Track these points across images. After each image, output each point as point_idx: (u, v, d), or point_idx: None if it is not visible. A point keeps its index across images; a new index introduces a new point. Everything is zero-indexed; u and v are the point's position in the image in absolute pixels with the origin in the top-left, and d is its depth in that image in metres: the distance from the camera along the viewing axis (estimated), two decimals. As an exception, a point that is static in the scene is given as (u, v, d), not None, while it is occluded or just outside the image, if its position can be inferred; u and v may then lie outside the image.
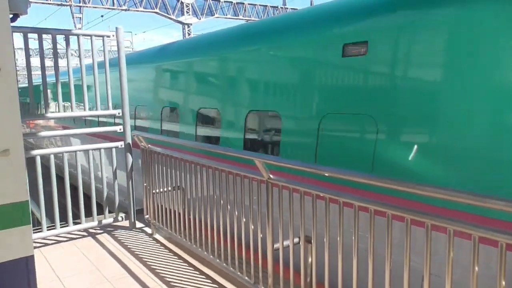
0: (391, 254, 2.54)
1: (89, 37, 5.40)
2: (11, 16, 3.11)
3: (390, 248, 2.53)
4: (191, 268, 4.47)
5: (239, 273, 3.91)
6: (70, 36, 5.23)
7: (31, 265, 2.72)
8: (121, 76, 5.51)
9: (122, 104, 5.55)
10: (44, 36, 5.05)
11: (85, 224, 5.45)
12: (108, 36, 5.51)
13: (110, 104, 5.50)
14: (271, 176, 3.37)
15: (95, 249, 5.03)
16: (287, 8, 37.05)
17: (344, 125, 4.16)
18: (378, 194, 3.16)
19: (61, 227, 5.30)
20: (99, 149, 5.47)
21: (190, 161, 4.43)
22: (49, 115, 5.17)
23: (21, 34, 4.85)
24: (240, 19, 35.36)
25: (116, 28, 5.49)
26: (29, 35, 4.93)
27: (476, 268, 2.13)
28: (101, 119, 9.47)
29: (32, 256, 2.71)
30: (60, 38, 5.46)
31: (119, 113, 5.53)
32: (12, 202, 2.60)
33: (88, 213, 5.56)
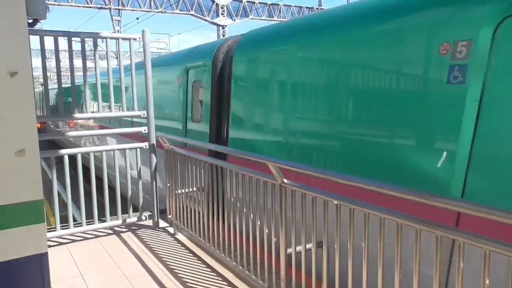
0: (401, 262, 2.48)
1: (123, 40, 5.54)
2: (30, 21, 3.23)
3: (399, 256, 2.47)
4: (209, 270, 4.50)
5: (253, 276, 3.91)
6: (106, 39, 5.38)
7: (45, 262, 2.80)
8: (146, 77, 5.62)
9: (147, 105, 5.66)
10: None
11: (110, 222, 5.58)
12: (135, 39, 5.62)
13: (136, 105, 5.61)
14: (284, 180, 3.35)
15: (119, 247, 5.15)
16: (322, 9, 36.75)
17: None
18: None
19: (87, 225, 5.46)
20: (124, 149, 5.60)
21: (209, 162, 4.47)
22: (76, 115, 5.33)
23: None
24: (274, 20, 35.37)
25: (142, 31, 5.60)
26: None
27: (487, 281, 2.05)
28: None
29: (46, 254, 2.79)
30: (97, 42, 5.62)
31: (144, 114, 5.63)
32: (28, 200, 2.69)
33: (116, 212, 5.71)
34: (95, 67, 5.43)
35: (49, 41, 5.30)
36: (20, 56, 2.60)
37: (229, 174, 4.11)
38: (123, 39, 5.57)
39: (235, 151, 4.24)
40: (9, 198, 2.62)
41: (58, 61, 5.16)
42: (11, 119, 2.60)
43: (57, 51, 5.13)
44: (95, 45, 5.38)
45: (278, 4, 37.03)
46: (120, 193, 5.72)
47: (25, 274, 2.74)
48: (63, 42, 5.35)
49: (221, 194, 4.33)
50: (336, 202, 2.89)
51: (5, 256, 2.66)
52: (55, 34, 5.03)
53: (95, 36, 5.35)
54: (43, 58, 5.02)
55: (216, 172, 4.34)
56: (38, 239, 2.78)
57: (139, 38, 5.62)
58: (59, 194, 6.08)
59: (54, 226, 5.26)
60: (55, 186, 5.20)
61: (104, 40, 5.50)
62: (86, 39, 5.36)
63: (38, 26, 4.30)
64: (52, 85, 19.15)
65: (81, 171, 5.30)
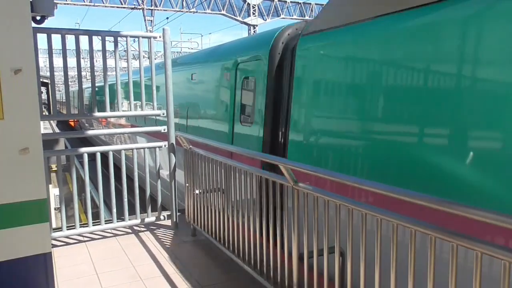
0: (415, 269, 2.33)
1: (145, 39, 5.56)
2: (38, 18, 3.22)
3: (413, 263, 2.32)
4: (223, 273, 4.40)
5: (266, 281, 3.79)
6: (128, 38, 5.39)
7: (49, 262, 2.77)
8: (166, 76, 5.57)
9: (167, 104, 5.62)
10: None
11: (128, 221, 5.58)
12: (155, 37, 5.59)
13: (155, 104, 5.58)
14: (297, 182, 3.21)
15: (136, 247, 5.12)
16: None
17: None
18: None
19: (106, 223, 5.47)
20: (143, 148, 5.58)
21: (224, 163, 4.38)
22: (96, 114, 5.34)
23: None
24: (306, 19, 35.03)
25: (163, 30, 5.56)
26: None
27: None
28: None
29: (50, 253, 2.76)
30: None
31: (163, 114, 5.59)
32: (31, 199, 2.66)
33: (143, 210, 5.72)
34: (115, 66, 5.43)
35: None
36: (24, 53, 2.57)
37: (243, 175, 4.00)
38: (144, 37, 5.55)
39: (245, 151, 4.11)
40: (11, 196, 2.60)
41: (79, 59, 5.19)
42: (14, 117, 2.58)
43: (78, 49, 5.16)
44: (116, 43, 5.37)
45: (310, 3, 36.73)
46: (143, 191, 5.72)
47: (29, 273, 2.72)
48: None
49: (237, 196, 4.23)
50: (348, 207, 2.75)
51: (7, 255, 2.64)
52: (76, 32, 5.05)
53: (115, 35, 5.35)
54: (64, 56, 5.04)
55: (233, 172, 4.24)
56: (43, 239, 2.75)
57: (160, 37, 5.58)
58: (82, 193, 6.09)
59: (73, 224, 5.30)
60: (75, 184, 5.23)
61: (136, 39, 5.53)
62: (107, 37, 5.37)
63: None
64: (86, 84, 19.61)
65: (100, 170, 5.32)
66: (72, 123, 32.06)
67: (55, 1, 3.23)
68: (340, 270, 2.95)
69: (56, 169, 5.66)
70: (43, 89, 33.87)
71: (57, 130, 26.53)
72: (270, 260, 3.72)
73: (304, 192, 3.15)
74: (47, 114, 6.84)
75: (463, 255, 2.21)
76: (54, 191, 10.96)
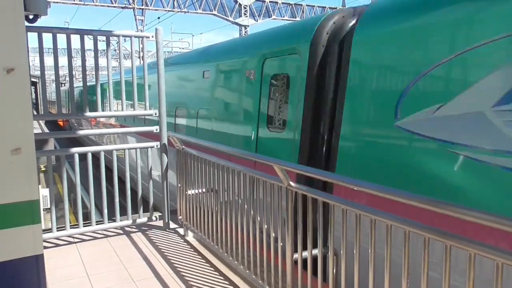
0: (408, 269, 2.34)
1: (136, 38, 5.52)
2: (31, 17, 3.19)
3: (407, 262, 2.33)
4: (216, 273, 4.39)
5: (260, 281, 3.79)
6: (120, 38, 5.35)
7: (41, 264, 2.72)
8: (159, 76, 5.54)
9: (159, 105, 5.59)
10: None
11: (119, 222, 5.53)
12: (148, 37, 5.57)
13: (147, 104, 5.55)
14: (291, 183, 3.21)
15: (127, 248, 5.09)
16: (346, 9, 36.22)
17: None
18: None
19: (96, 224, 5.42)
20: (135, 148, 5.54)
21: (216, 163, 4.37)
22: (87, 114, 5.29)
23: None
24: (297, 20, 35.13)
25: (156, 29, 5.53)
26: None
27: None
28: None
29: (42, 255, 2.72)
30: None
31: (156, 114, 5.56)
32: (23, 200, 2.62)
33: (134, 211, 5.68)
34: (107, 66, 5.39)
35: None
36: (17, 52, 2.53)
37: (237, 175, 4.00)
38: (136, 37, 5.51)
39: (240, 152, 4.11)
40: (3, 198, 2.56)
41: (70, 59, 5.14)
42: (6, 117, 2.54)
43: (69, 49, 5.11)
44: (108, 43, 5.33)
45: (301, 4, 36.80)
46: (134, 192, 5.68)
47: (20, 276, 2.67)
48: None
49: (230, 196, 4.23)
50: (342, 207, 2.76)
51: None
52: (67, 31, 5.00)
53: (107, 34, 5.31)
54: (56, 55, 4.99)
55: (226, 173, 4.23)
56: (34, 240, 2.71)
57: (152, 37, 5.55)
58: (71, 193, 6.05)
59: (63, 225, 5.24)
60: (65, 185, 5.18)
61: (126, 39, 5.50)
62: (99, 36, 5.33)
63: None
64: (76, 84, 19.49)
65: (91, 170, 5.27)
66: (61, 123, 31.79)
67: (47, 0, 3.20)
68: (334, 271, 2.96)
69: (44, 169, 5.60)
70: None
71: (46, 130, 26.31)
72: (264, 261, 3.72)
73: (298, 193, 3.16)
74: (35, 113, 6.77)
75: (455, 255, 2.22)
76: (42, 192, 10.87)
